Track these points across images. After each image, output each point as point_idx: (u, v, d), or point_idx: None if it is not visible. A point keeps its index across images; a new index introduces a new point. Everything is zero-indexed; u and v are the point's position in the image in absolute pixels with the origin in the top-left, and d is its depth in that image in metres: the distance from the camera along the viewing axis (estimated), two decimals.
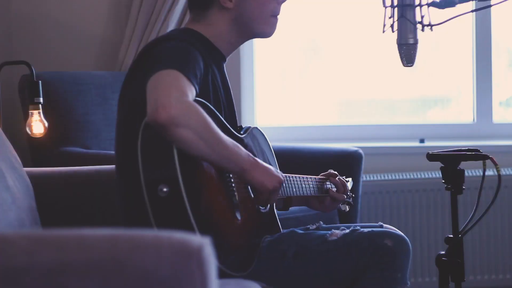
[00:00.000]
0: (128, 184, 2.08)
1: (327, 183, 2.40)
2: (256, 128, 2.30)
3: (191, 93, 1.91)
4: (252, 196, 2.12)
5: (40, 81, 2.99)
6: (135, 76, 2.07)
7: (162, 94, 1.84)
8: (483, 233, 3.76)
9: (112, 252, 1.04)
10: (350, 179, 2.49)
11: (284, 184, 2.21)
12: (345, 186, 2.41)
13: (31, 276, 1.03)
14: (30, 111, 3.01)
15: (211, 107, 2.02)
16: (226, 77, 2.23)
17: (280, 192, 2.18)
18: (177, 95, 1.85)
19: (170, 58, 1.96)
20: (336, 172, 2.43)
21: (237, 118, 2.26)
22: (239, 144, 2.00)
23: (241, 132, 2.23)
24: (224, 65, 2.24)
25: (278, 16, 2.24)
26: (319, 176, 2.40)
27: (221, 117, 2.08)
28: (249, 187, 2.11)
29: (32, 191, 2.28)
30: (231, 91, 2.25)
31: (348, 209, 2.44)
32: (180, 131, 1.83)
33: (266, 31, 2.23)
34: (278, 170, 2.13)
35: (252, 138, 2.27)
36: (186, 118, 1.83)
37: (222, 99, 2.17)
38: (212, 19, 2.19)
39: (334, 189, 2.39)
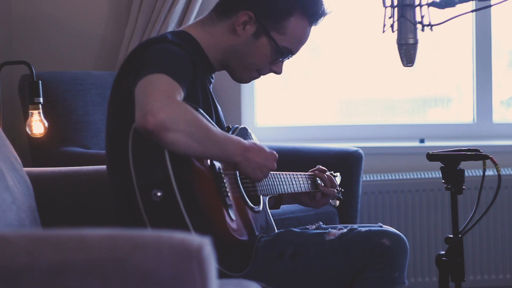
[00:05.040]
0: (121, 188, 2.07)
1: (317, 178, 2.40)
2: (244, 127, 2.30)
3: (180, 96, 1.90)
4: (245, 194, 2.13)
5: (40, 81, 2.99)
6: (124, 78, 2.06)
7: (150, 99, 1.83)
8: (483, 233, 3.76)
9: (112, 252, 1.04)
10: (338, 173, 2.49)
11: (275, 182, 2.22)
12: (333, 181, 2.41)
13: (31, 276, 1.03)
14: (30, 111, 3.01)
15: (201, 110, 2.02)
16: (210, 91, 2.23)
17: (271, 190, 2.19)
18: (165, 99, 1.84)
19: (158, 62, 1.96)
20: (324, 168, 2.43)
21: (224, 125, 2.26)
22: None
23: (229, 133, 2.22)
24: (212, 80, 2.24)
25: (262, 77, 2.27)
26: (308, 173, 2.41)
27: (210, 120, 2.08)
28: (241, 186, 2.12)
29: (32, 191, 2.28)
30: (216, 101, 2.25)
31: (338, 204, 2.44)
32: (170, 135, 1.82)
33: (241, 76, 2.25)
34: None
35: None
36: (174, 121, 1.82)
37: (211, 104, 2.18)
38: (217, 30, 2.19)
39: (323, 185, 2.40)
